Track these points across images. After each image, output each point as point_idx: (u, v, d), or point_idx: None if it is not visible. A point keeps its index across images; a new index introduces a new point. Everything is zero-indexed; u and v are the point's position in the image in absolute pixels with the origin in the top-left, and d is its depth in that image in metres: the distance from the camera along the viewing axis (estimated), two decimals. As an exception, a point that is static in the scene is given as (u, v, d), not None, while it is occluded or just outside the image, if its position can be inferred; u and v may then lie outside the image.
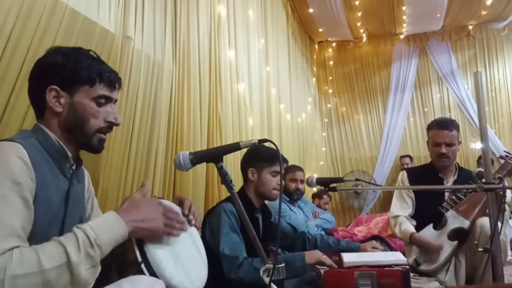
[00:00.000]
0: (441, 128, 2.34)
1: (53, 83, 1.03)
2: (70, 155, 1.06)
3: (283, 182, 3.40)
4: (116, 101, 1.13)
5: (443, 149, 2.31)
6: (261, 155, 1.99)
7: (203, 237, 1.84)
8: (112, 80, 1.09)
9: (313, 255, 1.84)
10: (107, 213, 0.96)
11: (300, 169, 3.50)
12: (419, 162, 6.08)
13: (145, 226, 0.99)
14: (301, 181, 3.38)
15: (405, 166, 5.93)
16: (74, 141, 1.07)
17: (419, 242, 2.21)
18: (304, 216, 3.45)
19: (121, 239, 0.93)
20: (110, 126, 1.10)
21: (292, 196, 3.37)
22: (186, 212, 1.24)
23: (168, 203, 1.18)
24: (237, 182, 2.77)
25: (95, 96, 1.06)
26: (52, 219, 0.98)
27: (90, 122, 1.05)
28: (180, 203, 1.27)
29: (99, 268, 0.88)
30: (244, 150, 1.46)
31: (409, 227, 2.29)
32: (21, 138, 0.97)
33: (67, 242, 0.84)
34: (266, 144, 1.17)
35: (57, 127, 1.04)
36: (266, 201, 2.07)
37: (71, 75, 1.03)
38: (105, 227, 0.91)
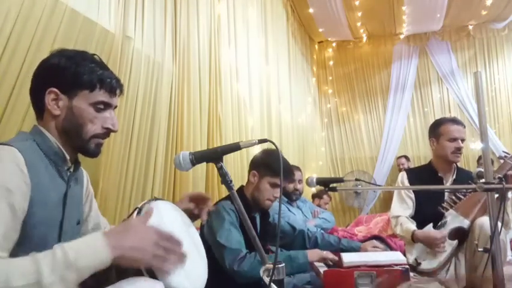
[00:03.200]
0: (458, 124, 2.39)
1: (54, 85, 1.02)
2: (68, 157, 1.06)
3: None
4: (116, 107, 1.13)
5: (461, 144, 2.35)
6: (267, 163, 1.96)
7: (201, 236, 1.84)
8: (113, 86, 1.08)
9: (315, 253, 1.86)
10: (95, 234, 0.90)
11: (298, 169, 3.49)
12: (419, 162, 6.08)
13: (129, 255, 0.89)
14: (300, 181, 3.37)
15: (401, 167, 5.92)
16: (71, 145, 1.06)
17: (422, 238, 2.21)
18: (303, 217, 3.45)
19: (102, 265, 0.85)
20: (107, 132, 1.09)
21: (291, 197, 3.37)
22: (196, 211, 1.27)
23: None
24: (237, 182, 2.78)
25: (94, 101, 1.05)
26: (50, 221, 0.98)
27: (87, 127, 1.05)
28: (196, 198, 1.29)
29: None
30: (245, 150, 1.46)
31: (410, 225, 2.29)
32: (18, 141, 0.97)
33: (43, 260, 0.79)
34: (266, 144, 1.17)
35: (55, 129, 1.04)
36: None
37: (72, 78, 1.03)
38: (88, 250, 0.84)
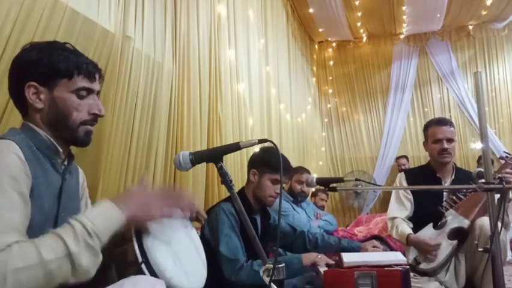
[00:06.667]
0: (441, 124, 2.38)
1: (31, 79, 1.01)
2: (61, 150, 1.05)
3: (288, 182, 3.42)
4: (98, 92, 1.11)
5: (445, 145, 2.32)
6: (265, 160, 1.96)
7: (202, 236, 1.85)
8: (91, 70, 1.07)
9: (309, 257, 1.87)
10: (102, 202, 0.95)
11: (307, 171, 3.51)
12: (419, 162, 6.08)
13: (140, 212, 0.98)
14: (307, 183, 3.39)
15: (402, 167, 5.91)
16: (60, 137, 1.05)
17: (416, 243, 2.21)
18: (307, 217, 3.46)
19: (118, 226, 0.93)
20: (94, 118, 1.08)
21: (297, 198, 3.39)
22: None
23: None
24: (237, 182, 2.77)
25: (74, 88, 1.04)
26: (46, 215, 0.98)
27: (73, 115, 1.04)
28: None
29: (100, 257, 0.88)
30: (245, 150, 1.46)
31: (405, 228, 2.28)
32: (11, 135, 0.97)
33: (65, 233, 0.84)
34: (266, 144, 1.17)
35: (42, 123, 1.04)
36: None
37: (47, 69, 1.01)
38: (101, 216, 0.91)
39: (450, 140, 2.34)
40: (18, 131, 1.02)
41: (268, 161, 1.95)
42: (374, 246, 2.16)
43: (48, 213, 1.00)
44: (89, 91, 1.07)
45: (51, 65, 1.02)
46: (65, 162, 1.09)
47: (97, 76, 1.10)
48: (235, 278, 1.71)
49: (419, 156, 6.27)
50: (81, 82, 1.05)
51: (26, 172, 0.91)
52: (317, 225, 3.45)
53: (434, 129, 2.39)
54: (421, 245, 2.19)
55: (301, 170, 3.48)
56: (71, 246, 0.83)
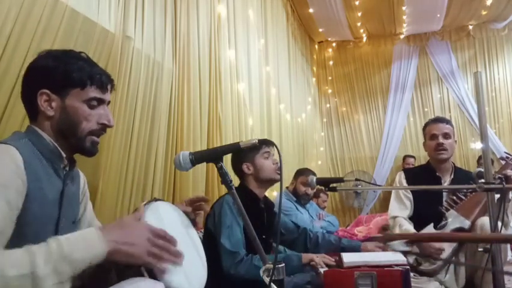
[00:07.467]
0: (437, 122, 2.42)
1: (44, 86, 1.02)
2: (64, 155, 1.06)
3: (294, 183, 3.42)
4: (109, 102, 1.12)
5: (441, 140, 2.34)
6: (242, 149, 1.97)
7: (205, 227, 1.86)
8: (104, 81, 1.08)
9: (307, 256, 1.90)
10: (89, 229, 0.91)
11: (313, 174, 3.51)
12: (419, 162, 6.07)
13: (124, 249, 0.89)
14: (308, 184, 3.40)
15: (411, 166, 5.91)
16: (67, 145, 1.06)
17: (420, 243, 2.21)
18: (310, 217, 3.48)
19: (97, 259, 0.85)
20: (103, 128, 1.09)
21: (300, 200, 3.40)
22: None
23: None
24: (237, 182, 2.76)
25: (86, 98, 1.05)
26: (47, 218, 0.98)
27: (82, 125, 1.05)
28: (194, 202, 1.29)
29: (67, 286, 0.81)
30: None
31: (409, 227, 2.28)
32: (14, 140, 0.97)
33: (38, 251, 0.78)
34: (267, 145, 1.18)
35: (50, 130, 1.04)
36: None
37: (62, 78, 1.02)
38: (82, 243, 0.84)
39: (446, 136, 2.35)
40: (23, 135, 1.02)
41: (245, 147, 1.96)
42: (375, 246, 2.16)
43: (50, 216, 1.00)
44: (100, 101, 1.08)
45: (65, 74, 1.02)
46: (67, 168, 1.09)
47: (109, 87, 1.11)
48: (234, 271, 1.70)
49: (419, 156, 6.26)
50: (93, 92, 1.06)
51: (22, 178, 0.91)
52: (320, 225, 3.46)
53: (431, 127, 2.43)
54: (425, 246, 2.19)
55: (307, 172, 3.49)
56: (39, 266, 0.76)
